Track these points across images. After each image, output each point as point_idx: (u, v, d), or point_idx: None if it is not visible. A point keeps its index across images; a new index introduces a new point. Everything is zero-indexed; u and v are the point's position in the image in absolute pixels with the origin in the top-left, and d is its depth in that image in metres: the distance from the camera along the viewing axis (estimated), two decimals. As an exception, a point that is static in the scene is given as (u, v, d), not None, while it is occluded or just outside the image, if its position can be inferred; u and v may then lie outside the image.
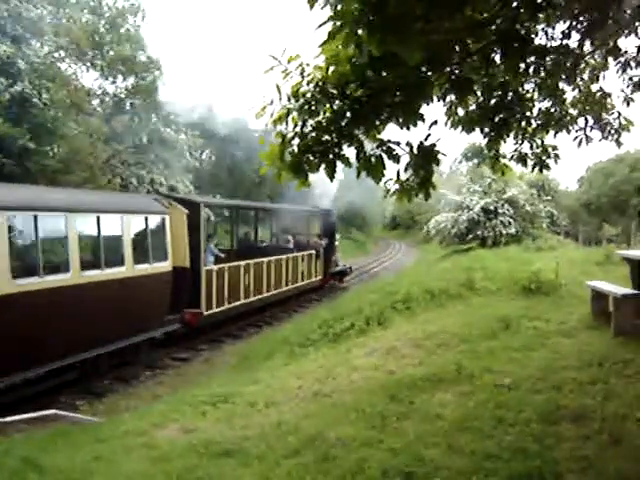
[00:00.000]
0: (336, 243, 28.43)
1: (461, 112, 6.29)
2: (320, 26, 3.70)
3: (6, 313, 9.51)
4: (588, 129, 7.28)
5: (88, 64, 26.55)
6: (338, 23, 3.66)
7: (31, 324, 9.97)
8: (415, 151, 4.84)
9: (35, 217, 10.41)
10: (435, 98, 5.47)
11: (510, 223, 31.74)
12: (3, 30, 20.44)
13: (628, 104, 7.39)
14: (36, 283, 10.19)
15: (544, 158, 7.14)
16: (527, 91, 6.54)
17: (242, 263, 18.36)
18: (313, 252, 25.04)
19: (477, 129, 6.46)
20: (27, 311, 9.91)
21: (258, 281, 19.35)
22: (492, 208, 32.06)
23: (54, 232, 11.29)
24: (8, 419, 8.72)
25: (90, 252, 12.21)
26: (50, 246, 11.25)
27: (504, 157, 7.14)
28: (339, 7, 3.70)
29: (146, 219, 13.85)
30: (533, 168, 7.31)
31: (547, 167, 7.24)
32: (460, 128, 6.38)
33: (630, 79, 7.22)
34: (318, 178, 5.38)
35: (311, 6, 3.96)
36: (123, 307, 12.48)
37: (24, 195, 11.09)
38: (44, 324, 10.30)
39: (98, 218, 12.15)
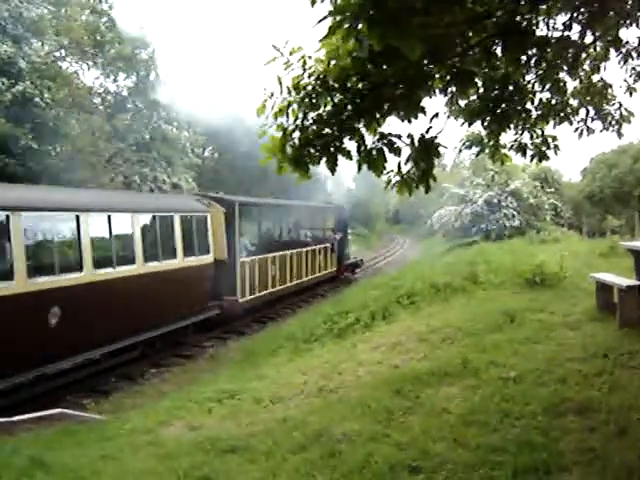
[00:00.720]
0: (349, 237, 30.31)
1: (462, 103, 6.27)
2: (320, 21, 3.68)
3: (90, 297, 11.36)
4: (589, 120, 7.26)
5: (89, 63, 26.56)
6: (338, 18, 3.65)
7: (108, 307, 11.92)
8: (416, 144, 4.83)
9: (109, 217, 12.42)
10: (436, 90, 5.46)
11: (514, 216, 31.69)
12: (4, 30, 20.48)
13: (631, 94, 7.36)
14: (111, 273, 12.22)
15: (544, 149, 7.12)
16: (528, 82, 6.51)
17: (269, 256, 20.03)
18: (329, 245, 26.68)
19: (478, 120, 6.45)
20: (104, 296, 11.82)
21: (283, 272, 21.22)
22: (496, 201, 32.02)
23: (124, 229, 13.18)
24: (15, 419, 8.74)
25: (150, 246, 13.94)
26: (121, 241, 13.21)
27: (504, 147, 7.11)
28: (339, 2, 3.69)
29: (192, 217, 15.80)
30: (532, 158, 7.28)
31: (546, 157, 7.21)
32: (461, 120, 6.37)
33: (633, 69, 7.19)
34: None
35: (312, 3, 3.96)
36: (176, 294, 14.41)
37: (99, 199, 13.28)
38: (118, 307, 12.23)
39: (154, 217, 14.33)
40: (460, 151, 7.50)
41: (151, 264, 13.62)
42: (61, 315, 10.57)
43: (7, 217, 9.73)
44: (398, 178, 5.20)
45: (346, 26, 3.65)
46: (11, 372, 9.79)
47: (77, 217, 11.36)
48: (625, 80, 7.34)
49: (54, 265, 10.68)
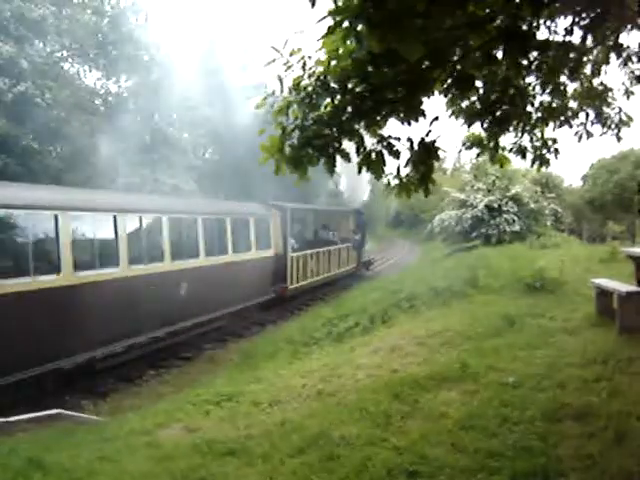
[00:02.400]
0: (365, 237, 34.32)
1: (462, 104, 6.27)
2: (320, 21, 3.68)
3: (204, 277, 15.68)
4: (589, 123, 7.26)
5: (91, 64, 26.56)
6: (337, 18, 3.64)
7: (208, 286, 15.78)
8: (415, 147, 4.83)
9: (204, 220, 16.41)
10: (436, 93, 5.45)
11: (514, 221, 31.60)
12: (6, 30, 20.49)
13: (628, 97, 7.37)
14: (217, 259, 16.68)
15: (544, 152, 7.11)
16: (529, 84, 6.51)
17: (308, 252, 24.15)
18: (350, 245, 30.63)
19: (478, 121, 6.44)
20: (208, 277, 16.00)
21: (317, 266, 25.09)
22: (496, 206, 31.94)
23: (222, 228, 17.58)
24: (13, 419, 8.73)
25: (236, 240, 18.03)
26: (218, 236, 17.38)
27: (503, 149, 7.11)
28: (339, 2, 3.68)
29: (261, 219, 20.24)
30: (533, 163, 7.27)
31: (547, 162, 7.21)
32: (461, 121, 6.36)
33: (632, 72, 7.20)
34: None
35: (313, 4, 3.94)
36: (250, 279, 18.68)
37: (176, 203, 17.06)
38: (213, 286, 16.08)
39: (239, 219, 18.64)
40: (460, 152, 7.51)
41: (236, 254, 17.91)
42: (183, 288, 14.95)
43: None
44: (397, 181, 5.20)
45: (345, 26, 3.64)
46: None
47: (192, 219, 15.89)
48: (623, 83, 7.35)
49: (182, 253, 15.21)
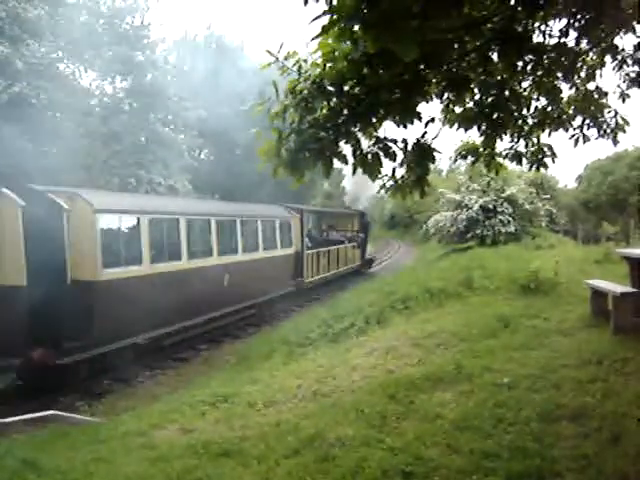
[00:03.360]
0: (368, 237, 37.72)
1: (458, 110, 6.27)
2: (314, 20, 3.67)
3: (242, 269, 18.33)
4: (585, 127, 7.26)
5: (86, 64, 26.51)
6: (332, 17, 3.63)
7: (237, 281, 17.97)
8: (411, 149, 4.83)
9: (243, 221, 19.21)
10: (432, 96, 5.46)
11: (509, 222, 31.63)
12: (1, 30, 20.43)
13: (624, 100, 7.38)
14: (252, 255, 19.47)
15: (540, 156, 7.11)
16: (524, 89, 6.52)
17: (321, 250, 26.91)
18: (355, 244, 33.22)
19: (474, 126, 6.45)
20: (246, 270, 18.63)
21: (328, 263, 27.65)
22: (491, 207, 31.96)
23: (255, 229, 20.37)
24: (8, 420, 8.72)
25: (265, 239, 20.85)
26: (252, 236, 20.11)
27: (499, 155, 7.11)
28: (334, 1, 3.67)
29: (284, 221, 22.91)
30: (530, 167, 7.28)
31: (544, 165, 7.21)
32: (456, 126, 6.37)
33: (627, 75, 7.20)
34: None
35: (305, 2, 3.93)
36: (275, 273, 21.38)
37: (220, 207, 20.13)
38: (248, 279, 18.69)
39: (267, 220, 21.42)
40: (455, 160, 7.49)
41: (266, 252, 20.73)
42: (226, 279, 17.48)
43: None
44: (392, 183, 5.20)
45: (340, 26, 3.64)
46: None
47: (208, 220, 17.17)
48: (619, 86, 7.36)
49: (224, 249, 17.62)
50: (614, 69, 7.01)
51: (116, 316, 12.34)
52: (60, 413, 9.66)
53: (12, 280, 10.73)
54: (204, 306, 16.21)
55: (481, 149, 6.93)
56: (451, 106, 6.17)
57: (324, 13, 3.67)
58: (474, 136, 6.78)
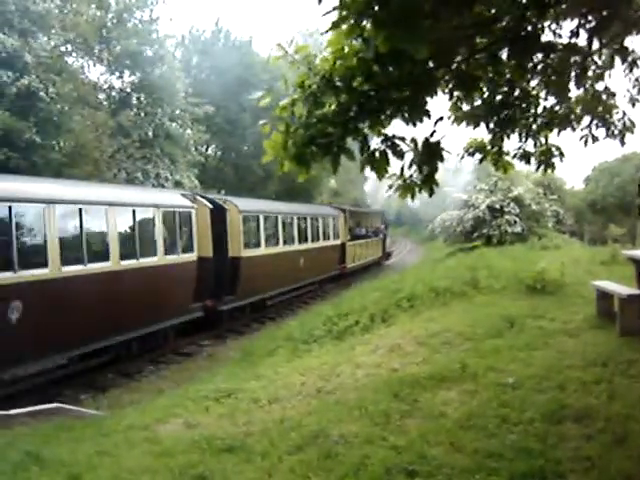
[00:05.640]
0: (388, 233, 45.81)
1: (466, 108, 6.25)
2: (325, 15, 3.66)
3: (268, 261, 20.67)
4: (593, 127, 7.23)
5: (95, 58, 26.53)
6: (343, 13, 3.62)
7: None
8: (420, 147, 4.82)
9: (279, 216, 22.80)
10: (441, 94, 5.44)
11: (516, 222, 31.62)
12: (10, 23, 20.42)
13: (634, 105, 7.34)
14: (291, 247, 23.46)
15: (548, 157, 7.09)
16: (533, 88, 6.49)
17: (356, 242, 33.36)
18: (379, 238, 39.75)
19: (482, 124, 6.43)
20: (282, 261, 22.06)
21: (360, 253, 33.61)
22: (498, 207, 31.95)
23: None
24: (12, 412, 8.73)
25: (312, 232, 26.10)
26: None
27: (507, 154, 7.09)
28: None
29: (333, 218, 29.54)
30: (538, 167, 7.25)
31: (552, 166, 7.19)
32: (464, 124, 6.35)
33: (637, 80, 7.16)
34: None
35: (319, 0, 3.92)
36: (323, 260, 27.14)
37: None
38: (294, 270, 23.35)
39: (316, 217, 27.17)
40: (462, 158, 7.45)
41: (324, 242, 27.63)
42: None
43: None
44: (400, 182, 5.19)
45: (350, 22, 3.63)
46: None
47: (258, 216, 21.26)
48: (628, 90, 7.32)
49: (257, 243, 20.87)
50: (624, 71, 6.97)
51: (251, 281, 18.61)
52: (64, 406, 9.68)
53: (206, 253, 16.54)
54: (290, 279, 22.70)
55: (489, 147, 6.90)
56: (459, 104, 6.16)
57: (334, 9, 3.67)
58: (482, 134, 6.77)
